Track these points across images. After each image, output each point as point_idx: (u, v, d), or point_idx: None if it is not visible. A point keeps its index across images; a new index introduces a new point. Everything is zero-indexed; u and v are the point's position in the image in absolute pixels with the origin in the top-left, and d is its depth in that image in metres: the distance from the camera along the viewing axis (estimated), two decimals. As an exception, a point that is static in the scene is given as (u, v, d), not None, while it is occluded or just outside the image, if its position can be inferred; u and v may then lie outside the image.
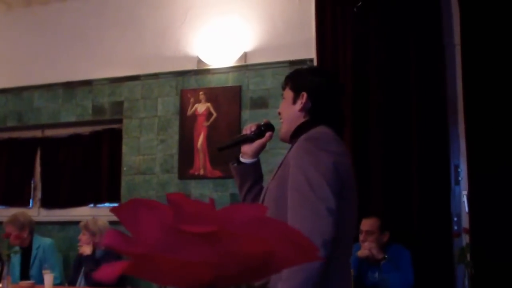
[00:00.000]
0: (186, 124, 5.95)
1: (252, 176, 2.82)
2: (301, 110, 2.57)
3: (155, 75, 6.14)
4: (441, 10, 5.04)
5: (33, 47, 6.71)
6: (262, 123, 2.78)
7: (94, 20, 6.48)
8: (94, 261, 5.19)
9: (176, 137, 5.98)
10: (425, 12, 5.00)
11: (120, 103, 6.27)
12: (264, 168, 5.62)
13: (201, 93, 5.91)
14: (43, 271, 5.04)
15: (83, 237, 5.32)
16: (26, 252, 5.61)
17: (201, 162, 5.85)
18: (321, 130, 2.45)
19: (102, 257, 5.23)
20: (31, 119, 6.68)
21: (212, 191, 5.76)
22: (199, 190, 5.81)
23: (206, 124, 5.87)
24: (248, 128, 2.78)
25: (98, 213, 6.06)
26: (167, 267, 0.57)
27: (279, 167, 2.52)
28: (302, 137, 2.43)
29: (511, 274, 4.27)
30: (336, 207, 2.24)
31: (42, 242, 5.66)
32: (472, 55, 4.67)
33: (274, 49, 5.73)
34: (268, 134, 2.76)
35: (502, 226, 4.35)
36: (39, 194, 6.74)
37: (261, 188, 2.78)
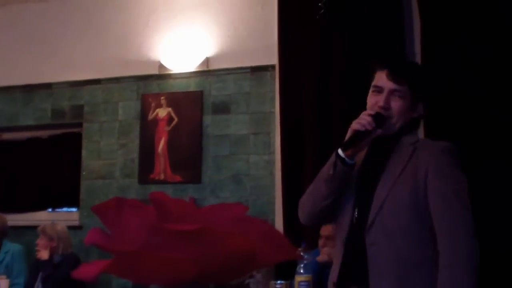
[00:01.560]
0: (147, 128, 5.92)
1: (349, 180, 2.49)
2: (415, 118, 2.56)
3: (116, 79, 6.09)
4: (403, 19, 5.09)
5: (-9, 49, 6.61)
6: (375, 113, 2.43)
7: (54, 22, 6.39)
8: (51, 266, 5.15)
9: (137, 142, 5.94)
10: (387, 20, 5.04)
11: (80, 107, 6.20)
12: (228, 173, 5.61)
13: (162, 97, 5.89)
14: (-2, 277, 4.96)
15: (41, 241, 5.28)
16: None
17: (161, 167, 5.82)
18: (449, 145, 2.49)
19: (59, 262, 5.18)
20: (-12, 122, 6.57)
21: (172, 196, 5.71)
22: (159, 195, 5.76)
23: (167, 129, 5.84)
24: (363, 122, 2.40)
25: (57, 218, 5.96)
26: (152, 264, 0.57)
27: (402, 170, 2.39)
28: (437, 147, 2.46)
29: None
30: None
31: (11, 247, 5.57)
32: (432, 63, 4.75)
33: (236, 55, 5.73)
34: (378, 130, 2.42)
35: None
36: (-5, 198, 6.62)
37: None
